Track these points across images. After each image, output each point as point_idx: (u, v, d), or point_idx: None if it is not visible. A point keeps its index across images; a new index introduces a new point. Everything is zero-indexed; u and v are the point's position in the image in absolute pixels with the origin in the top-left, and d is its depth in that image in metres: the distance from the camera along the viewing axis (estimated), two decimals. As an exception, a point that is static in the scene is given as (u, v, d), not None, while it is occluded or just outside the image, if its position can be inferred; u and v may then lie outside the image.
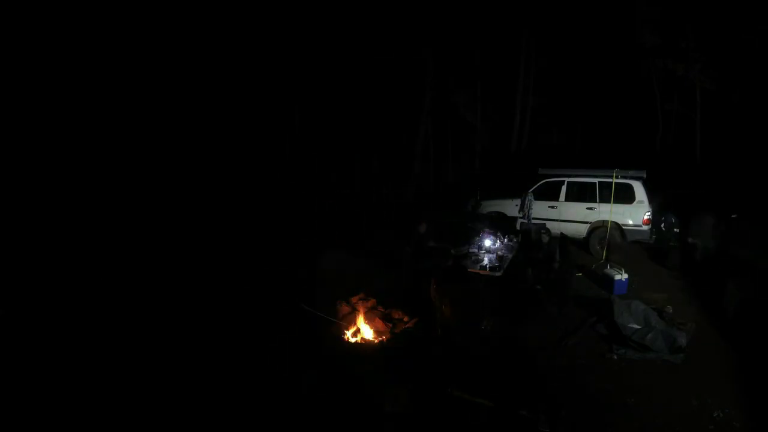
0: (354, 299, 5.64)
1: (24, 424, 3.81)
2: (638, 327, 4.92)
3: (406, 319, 5.51)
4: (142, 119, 11.04)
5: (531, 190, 8.79)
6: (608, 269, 6.84)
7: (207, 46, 12.32)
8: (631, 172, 8.07)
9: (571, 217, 8.56)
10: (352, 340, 5.16)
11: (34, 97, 9.46)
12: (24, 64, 9.37)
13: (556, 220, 8.55)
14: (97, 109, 10.44)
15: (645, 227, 7.88)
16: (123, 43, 10.78)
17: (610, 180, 8.00)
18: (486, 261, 6.38)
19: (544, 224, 8.02)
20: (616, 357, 4.79)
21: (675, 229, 7.68)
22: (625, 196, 8.02)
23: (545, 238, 6.69)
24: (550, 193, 8.78)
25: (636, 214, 7.94)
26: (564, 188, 8.71)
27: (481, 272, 6.16)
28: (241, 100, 13.34)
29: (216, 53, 12.56)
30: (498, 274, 6.10)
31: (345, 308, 5.54)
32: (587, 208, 8.40)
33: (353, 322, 5.36)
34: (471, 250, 6.79)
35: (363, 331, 5.28)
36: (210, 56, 12.49)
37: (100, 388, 4.18)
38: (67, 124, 9.92)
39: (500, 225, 8.20)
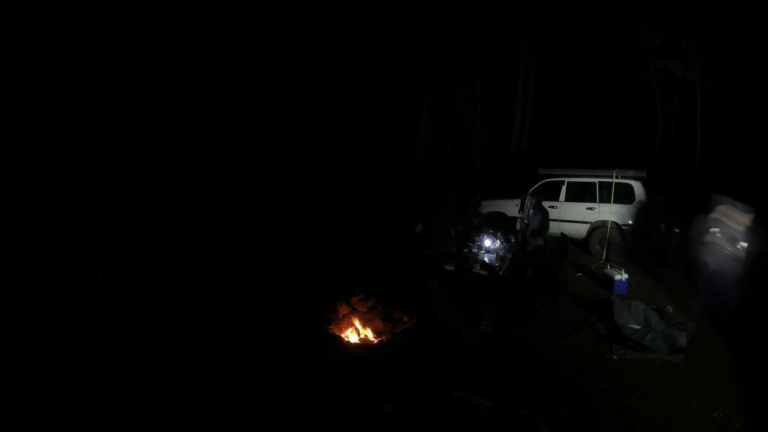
0: (354, 299, 5.63)
1: (24, 424, 3.81)
2: (638, 327, 4.92)
3: (406, 319, 5.50)
4: (135, 119, 11.01)
5: (531, 190, 8.79)
6: (608, 269, 6.84)
7: (208, 46, 12.32)
8: (631, 172, 8.08)
9: (571, 217, 8.57)
10: (352, 340, 5.16)
11: (32, 97, 9.45)
12: (22, 64, 9.36)
13: (556, 220, 8.55)
14: (94, 109, 10.42)
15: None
16: (120, 43, 10.77)
17: (610, 180, 8.01)
18: (486, 261, 6.37)
19: None
20: (615, 357, 4.79)
21: (675, 229, 7.68)
22: (625, 196, 8.02)
23: (539, 242, 6.70)
24: (550, 193, 8.78)
25: (636, 214, 7.94)
26: (564, 188, 8.72)
27: (481, 272, 6.17)
28: (241, 101, 13.33)
29: (217, 54, 12.56)
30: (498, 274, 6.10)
31: (344, 308, 5.54)
32: (587, 208, 8.41)
33: (353, 322, 5.36)
34: (471, 250, 6.80)
35: (363, 331, 5.28)
36: (211, 57, 12.48)
37: (100, 388, 4.18)
38: (66, 123, 9.91)
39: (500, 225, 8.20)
